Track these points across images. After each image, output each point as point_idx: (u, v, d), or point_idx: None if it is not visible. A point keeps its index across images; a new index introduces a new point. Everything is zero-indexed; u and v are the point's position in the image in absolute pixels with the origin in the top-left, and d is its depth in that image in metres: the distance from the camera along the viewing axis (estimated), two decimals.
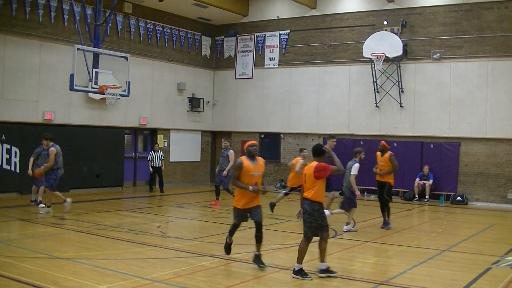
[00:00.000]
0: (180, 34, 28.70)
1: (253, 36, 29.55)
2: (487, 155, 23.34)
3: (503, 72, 23.10)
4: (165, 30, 27.76)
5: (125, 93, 19.86)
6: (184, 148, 29.03)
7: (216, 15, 28.80)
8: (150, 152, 25.21)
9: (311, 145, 26.95)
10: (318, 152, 10.54)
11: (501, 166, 23.13)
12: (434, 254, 12.60)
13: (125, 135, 26.08)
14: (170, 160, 28.21)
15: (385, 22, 25.17)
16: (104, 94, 19.23)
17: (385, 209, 16.64)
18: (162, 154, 25.59)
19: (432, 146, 24.40)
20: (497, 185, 23.20)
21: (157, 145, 25.72)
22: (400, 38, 24.45)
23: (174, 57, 28.38)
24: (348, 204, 15.80)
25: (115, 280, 9.44)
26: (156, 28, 27.26)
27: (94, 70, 18.76)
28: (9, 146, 21.30)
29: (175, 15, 28.16)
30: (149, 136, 27.69)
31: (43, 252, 11.51)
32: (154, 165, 25.04)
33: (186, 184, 28.89)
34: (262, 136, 29.16)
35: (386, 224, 16.40)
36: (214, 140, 31.03)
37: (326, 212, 14.32)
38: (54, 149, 17.75)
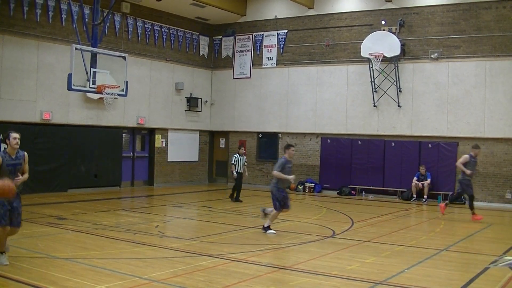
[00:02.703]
0: (178, 33, 28.69)
1: (251, 36, 29.55)
2: (485, 155, 23.33)
3: (501, 71, 23.11)
4: (163, 29, 27.76)
5: (123, 93, 19.84)
6: (182, 148, 29.01)
7: (214, 14, 28.79)
8: (235, 155, 22.45)
9: (308, 144, 27.22)
10: None
11: (499, 165, 23.15)
12: (432, 253, 12.60)
13: (123, 134, 26.05)
14: (168, 160, 28.21)
15: (383, 22, 25.19)
16: (102, 94, 19.22)
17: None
18: (246, 159, 23.26)
19: (430, 145, 24.42)
20: (495, 185, 23.22)
21: (243, 148, 23.31)
22: (398, 38, 24.48)
23: (172, 57, 28.37)
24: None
25: (113, 279, 9.44)
26: (154, 27, 27.25)
27: (92, 69, 18.74)
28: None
29: (173, 15, 28.15)
30: (147, 135, 27.67)
31: (41, 251, 11.50)
32: (238, 170, 22.30)
33: (184, 183, 28.88)
34: (260, 135, 29.16)
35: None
36: (212, 140, 31.02)
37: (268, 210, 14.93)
38: None
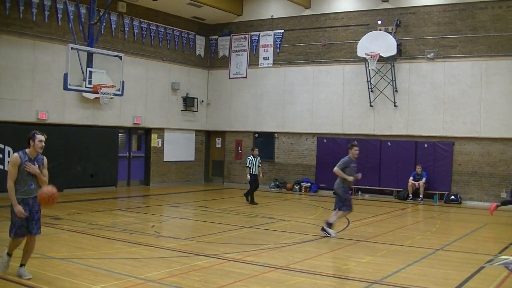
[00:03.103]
0: (175, 33, 28.68)
1: (247, 36, 29.55)
2: (481, 154, 23.39)
3: (497, 71, 23.14)
4: (159, 29, 27.74)
5: (119, 93, 19.82)
6: (178, 148, 29.00)
7: (211, 14, 28.78)
8: (250, 157, 21.92)
9: (305, 144, 27.24)
10: None
11: (494, 165, 23.18)
12: (428, 253, 12.63)
13: (119, 134, 26.03)
14: (165, 160, 28.19)
15: (379, 22, 25.20)
16: (98, 93, 19.20)
17: None
18: (260, 160, 22.48)
19: (426, 145, 24.44)
20: (490, 185, 23.26)
21: (257, 149, 22.57)
22: (394, 38, 24.48)
23: (168, 57, 28.36)
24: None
25: (109, 279, 9.44)
26: (150, 27, 27.24)
27: (88, 69, 18.72)
28: (2, 146, 21.24)
29: (169, 15, 28.14)
30: (143, 135, 27.66)
31: (37, 252, 11.43)
32: (253, 172, 21.79)
33: (180, 183, 28.87)
34: (256, 135, 29.16)
35: None
36: (208, 140, 31.01)
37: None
38: None
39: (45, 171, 9.80)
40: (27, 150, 9.44)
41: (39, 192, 9.30)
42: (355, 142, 15.83)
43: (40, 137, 9.50)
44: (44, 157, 9.86)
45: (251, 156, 21.82)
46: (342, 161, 14.70)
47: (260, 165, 22.11)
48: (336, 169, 14.54)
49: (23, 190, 9.31)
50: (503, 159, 23.02)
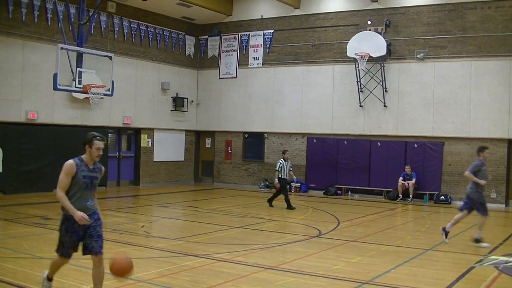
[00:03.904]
0: (164, 33, 28.65)
1: (237, 36, 29.54)
2: (470, 154, 23.42)
3: (486, 72, 23.22)
4: (149, 29, 27.69)
5: (109, 93, 19.79)
6: (168, 148, 28.97)
7: (200, 14, 28.76)
8: (280, 161, 20.81)
9: (294, 144, 27.24)
10: None
11: None
12: (418, 253, 12.66)
13: (109, 134, 25.94)
14: (154, 160, 28.14)
15: (369, 22, 25.25)
16: (87, 93, 19.16)
17: None
18: (291, 164, 21.57)
19: (415, 145, 24.50)
20: None
21: (288, 152, 21.58)
22: (384, 38, 24.53)
23: (158, 57, 28.32)
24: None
25: None
26: (140, 27, 27.18)
27: (78, 69, 18.69)
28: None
29: (158, 15, 28.10)
30: (133, 135, 27.60)
31: (26, 252, 11.45)
32: (283, 176, 20.69)
33: (169, 183, 28.83)
34: (246, 135, 29.15)
35: None
36: (198, 140, 30.98)
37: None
38: None
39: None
40: (83, 156, 8.01)
41: (116, 261, 7.89)
42: (486, 145, 15.46)
43: (99, 143, 8.01)
44: (102, 167, 8.36)
45: (282, 159, 20.80)
46: (473, 164, 14.28)
47: (291, 169, 21.19)
48: (467, 173, 14.14)
49: (78, 206, 7.79)
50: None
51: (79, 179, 7.81)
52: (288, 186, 21.90)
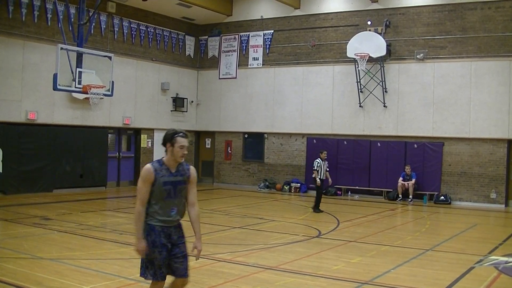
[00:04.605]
0: (164, 33, 28.63)
1: (237, 36, 29.53)
2: (470, 155, 23.47)
3: (486, 72, 23.22)
4: (148, 29, 27.68)
5: (109, 93, 19.80)
6: None
7: (200, 14, 28.75)
8: (318, 161, 19.89)
9: (294, 144, 27.24)
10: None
11: (484, 166, 23.25)
12: (418, 253, 12.66)
13: (109, 135, 25.95)
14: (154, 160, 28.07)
15: (369, 22, 25.24)
16: (87, 93, 19.17)
17: None
18: (328, 164, 20.46)
19: (415, 146, 24.49)
20: (480, 185, 23.33)
21: (325, 151, 20.58)
22: (384, 38, 24.52)
23: (158, 57, 28.30)
24: None
25: (99, 280, 9.41)
26: (140, 27, 27.17)
27: (78, 69, 18.70)
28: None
29: (159, 15, 28.09)
30: (132, 136, 27.58)
31: (26, 252, 11.44)
32: (321, 177, 19.75)
33: None
34: (246, 136, 29.14)
35: None
36: (198, 140, 30.97)
37: None
38: None
39: (194, 191, 6.92)
40: (164, 158, 6.69)
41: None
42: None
43: (183, 141, 6.61)
44: (193, 168, 6.92)
45: (319, 159, 19.88)
46: None
47: (328, 169, 20.19)
48: None
49: (162, 217, 6.60)
50: (492, 159, 23.10)
51: (159, 186, 6.53)
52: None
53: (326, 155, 20.20)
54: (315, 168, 19.68)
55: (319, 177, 19.54)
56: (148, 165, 6.59)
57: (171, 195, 6.60)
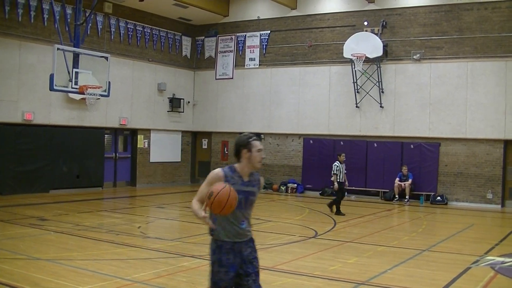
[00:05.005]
0: (161, 34, 28.62)
1: (233, 37, 29.52)
2: (466, 155, 23.51)
3: (483, 73, 23.26)
4: (145, 30, 27.66)
5: (105, 93, 19.78)
6: (164, 149, 28.93)
7: (197, 15, 28.74)
8: (336, 164, 19.59)
9: (291, 145, 27.25)
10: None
11: (480, 166, 23.29)
12: (414, 254, 12.67)
13: (105, 135, 25.94)
14: (151, 161, 28.09)
15: (366, 23, 25.25)
16: (84, 94, 19.15)
17: None
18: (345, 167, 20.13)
19: (412, 146, 24.52)
20: (476, 185, 23.36)
21: (343, 154, 20.54)
22: (381, 39, 24.54)
23: (155, 57, 28.29)
24: None
25: (95, 281, 9.40)
26: (137, 28, 27.16)
27: (74, 70, 18.67)
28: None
29: (155, 15, 28.08)
30: (129, 136, 27.57)
31: (23, 253, 11.43)
32: (340, 180, 19.49)
33: (166, 184, 28.78)
34: None
35: None
36: (194, 141, 30.96)
37: None
38: None
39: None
40: (237, 165, 6.03)
41: (221, 193, 5.61)
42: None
43: (259, 144, 6.08)
44: (261, 178, 6.29)
45: (338, 162, 19.60)
46: None
47: (345, 172, 19.89)
48: None
49: (231, 231, 5.95)
50: (489, 160, 23.14)
51: None
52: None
53: (344, 157, 20.11)
54: (335, 172, 19.44)
55: (338, 180, 19.34)
56: (219, 170, 5.99)
57: (242, 205, 5.88)
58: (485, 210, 22.13)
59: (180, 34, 29.89)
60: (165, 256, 11.71)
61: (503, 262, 11.86)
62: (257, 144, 6.02)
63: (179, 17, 29.19)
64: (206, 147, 30.63)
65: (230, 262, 5.87)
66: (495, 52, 23.11)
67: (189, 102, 30.20)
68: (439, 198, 23.56)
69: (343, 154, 20.30)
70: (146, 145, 27.94)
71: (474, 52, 23.51)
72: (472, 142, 23.43)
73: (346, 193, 19.91)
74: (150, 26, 27.95)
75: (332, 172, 19.61)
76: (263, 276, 10.04)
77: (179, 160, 30.03)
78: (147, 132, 27.93)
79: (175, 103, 29.11)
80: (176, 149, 29.84)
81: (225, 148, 29.53)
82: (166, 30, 28.91)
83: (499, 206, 22.94)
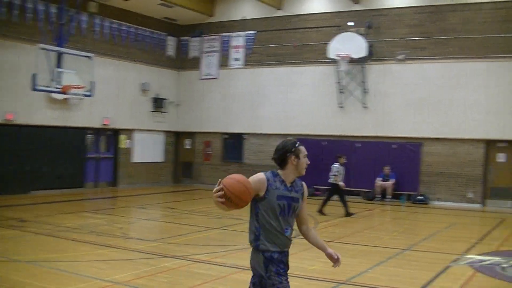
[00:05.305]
0: (145, 34, 28.50)
1: (218, 37, 29.46)
2: (447, 155, 23.63)
3: (466, 73, 23.37)
4: (130, 30, 27.53)
5: (89, 93, 19.73)
6: (147, 149, 28.79)
7: (182, 15, 28.67)
8: (336, 165, 19.59)
9: (274, 145, 27.14)
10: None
11: (461, 166, 23.42)
12: (395, 253, 12.73)
13: (88, 135, 25.81)
14: (133, 161, 27.94)
15: (351, 23, 25.27)
16: (67, 94, 19.08)
17: None
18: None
19: (395, 146, 24.59)
20: (457, 185, 23.49)
21: (344, 156, 20.52)
22: (366, 39, 24.60)
23: (139, 57, 28.16)
24: None
25: (75, 282, 9.36)
26: (121, 27, 27.04)
27: (58, 69, 18.62)
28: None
29: (140, 15, 27.94)
30: (112, 136, 27.40)
31: (2, 255, 11.35)
32: (337, 181, 19.45)
33: (149, 184, 28.60)
34: (226, 137, 29.09)
35: None
36: (177, 141, 30.87)
37: None
38: None
39: (305, 209, 5.88)
40: (280, 171, 5.59)
41: (232, 181, 5.17)
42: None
43: (304, 149, 5.73)
44: (305, 184, 5.89)
45: (338, 164, 19.59)
46: None
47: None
48: None
49: (275, 239, 5.52)
50: (470, 159, 23.29)
51: (273, 200, 5.43)
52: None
53: (345, 159, 20.17)
54: (335, 173, 19.35)
55: (340, 181, 19.30)
56: (262, 174, 5.49)
57: (285, 212, 5.51)
58: (466, 210, 22.27)
59: (165, 34, 29.79)
60: (146, 257, 11.68)
61: (482, 261, 11.97)
62: (303, 149, 5.69)
63: (164, 17, 29.11)
64: (189, 147, 30.55)
65: (286, 271, 5.58)
66: (479, 53, 23.24)
67: (173, 102, 29.97)
68: (420, 197, 23.67)
69: (344, 156, 20.33)
70: (129, 145, 27.78)
71: (458, 53, 23.62)
72: (454, 142, 23.56)
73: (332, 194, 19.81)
74: (135, 26, 27.82)
75: (333, 174, 19.44)
76: (245, 276, 10.09)
77: (162, 161, 29.93)
78: (130, 132, 27.79)
79: (158, 103, 29.00)
80: (159, 149, 29.73)
81: (208, 149, 29.46)
82: (151, 30, 28.79)
83: (480, 205, 23.09)
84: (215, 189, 5.14)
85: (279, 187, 5.46)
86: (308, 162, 5.72)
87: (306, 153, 5.66)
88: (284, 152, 5.55)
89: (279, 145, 5.63)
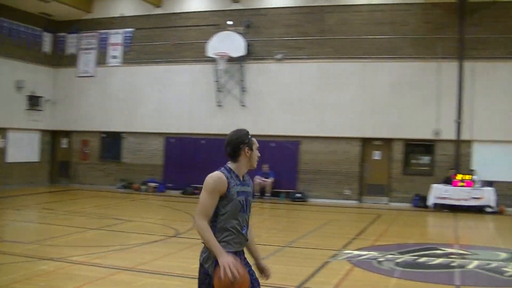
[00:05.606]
0: (20, 29, 27.53)
1: (96, 34, 28.90)
2: (325, 153, 24.21)
3: (342, 73, 24.05)
4: (4, 24, 26.51)
5: None
6: (22, 148, 27.80)
7: (59, 10, 27.87)
8: None
9: (152, 144, 27.06)
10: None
11: (338, 163, 24.07)
12: (274, 250, 12.90)
13: None
14: (8, 161, 26.92)
15: (230, 22, 25.42)
16: None
17: None
18: None
19: (273, 144, 24.91)
20: (334, 182, 24.11)
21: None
22: (244, 38, 24.81)
23: (13, 53, 27.14)
24: None
25: None
26: None
27: None
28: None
29: (14, 9, 26.90)
30: None
31: None
32: None
33: (23, 185, 27.56)
34: (104, 136, 28.60)
35: None
36: (54, 140, 30.02)
37: None
38: None
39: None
40: (231, 165, 5.36)
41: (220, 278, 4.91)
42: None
43: (256, 141, 5.50)
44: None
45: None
46: None
47: None
48: None
49: (234, 238, 5.27)
50: (347, 157, 23.98)
51: (233, 196, 5.18)
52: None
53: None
54: None
55: None
56: (218, 173, 5.20)
57: (244, 208, 5.26)
58: (343, 206, 22.89)
59: (41, 29, 28.86)
60: (21, 261, 11.25)
61: (359, 256, 12.34)
62: (255, 141, 5.45)
63: (40, 12, 28.17)
64: (66, 146, 29.81)
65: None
66: (355, 54, 23.98)
67: (48, 100, 29.10)
68: (299, 195, 24.12)
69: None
70: (2, 145, 26.75)
71: (334, 53, 24.26)
72: (330, 140, 24.16)
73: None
74: (9, 20, 26.79)
75: None
76: (125, 277, 9.98)
77: (38, 160, 29.04)
78: (4, 131, 26.77)
79: (33, 101, 28.07)
80: (35, 148, 28.82)
81: (85, 148, 28.87)
82: (26, 25, 27.82)
83: (357, 202, 23.82)
84: (235, 271, 4.87)
85: (236, 182, 5.23)
86: (259, 155, 5.50)
87: (258, 145, 5.45)
88: (237, 143, 5.33)
89: (231, 136, 5.39)
